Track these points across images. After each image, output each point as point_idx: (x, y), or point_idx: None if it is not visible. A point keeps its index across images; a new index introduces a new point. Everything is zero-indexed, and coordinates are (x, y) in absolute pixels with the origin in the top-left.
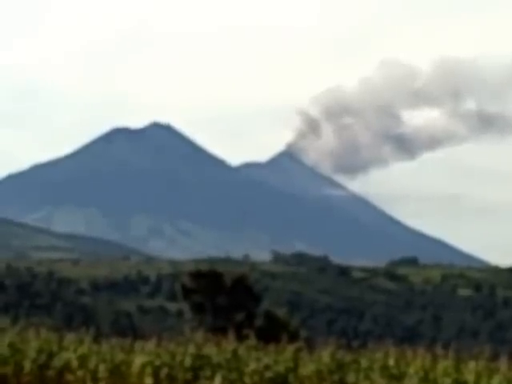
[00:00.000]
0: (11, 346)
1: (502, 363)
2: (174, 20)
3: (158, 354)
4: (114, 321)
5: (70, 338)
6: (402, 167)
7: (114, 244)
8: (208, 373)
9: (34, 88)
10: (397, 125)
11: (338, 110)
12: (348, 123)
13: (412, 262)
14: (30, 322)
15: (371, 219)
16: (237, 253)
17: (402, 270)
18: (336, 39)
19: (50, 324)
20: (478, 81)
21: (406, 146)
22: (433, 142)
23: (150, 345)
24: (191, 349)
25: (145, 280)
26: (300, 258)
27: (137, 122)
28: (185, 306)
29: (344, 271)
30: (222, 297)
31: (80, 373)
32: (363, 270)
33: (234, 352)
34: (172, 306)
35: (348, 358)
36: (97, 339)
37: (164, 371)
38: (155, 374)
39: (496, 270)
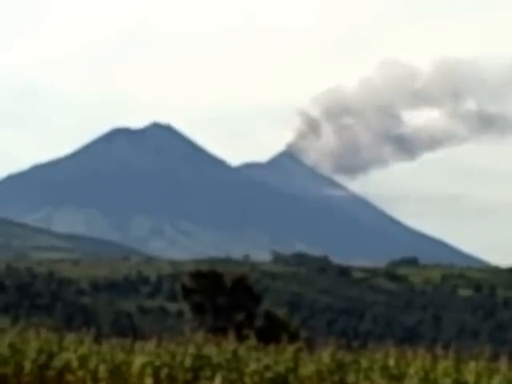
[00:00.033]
0: (11, 346)
1: (502, 363)
2: (174, 20)
3: (158, 355)
4: (114, 321)
5: (70, 338)
6: (402, 167)
7: (114, 244)
8: (208, 373)
9: (34, 88)
10: (397, 125)
11: (338, 111)
12: (348, 123)
13: (412, 262)
14: (30, 323)
15: (371, 219)
16: (237, 253)
17: (402, 271)
18: (336, 39)
19: (50, 324)
20: (478, 81)
21: (406, 146)
22: (433, 142)
23: (150, 345)
24: (191, 349)
25: (145, 280)
26: (300, 259)
27: (137, 122)
28: (185, 307)
29: (344, 271)
30: (222, 297)
31: (80, 373)
32: (363, 270)
33: (234, 352)
34: (172, 307)
35: (348, 358)
36: (97, 339)
37: (164, 371)
38: (155, 375)
39: (496, 271)
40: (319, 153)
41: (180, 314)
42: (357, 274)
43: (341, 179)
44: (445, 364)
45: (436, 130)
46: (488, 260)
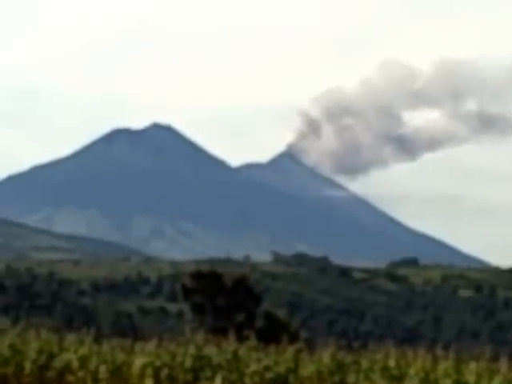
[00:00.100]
0: (11, 346)
1: (503, 364)
2: (174, 20)
3: (159, 355)
4: (114, 321)
5: (70, 338)
6: (403, 168)
7: (114, 245)
8: (208, 374)
9: (34, 88)
10: (397, 125)
11: (338, 111)
12: (348, 124)
13: (412, 262)
14: (31, 323)
15: (372, 220)
16: (237, 253)
17: (402, 271)
18: (336, 39)
19: (50, 325)
20: (478, 82)
21: (407, 146)
22: (433, 142)
23: (151, 346)
24: (192, 349)
25: (145, 281)
26: (300, 259)
27: (137, 122)
28: (185, 307)
29: (344, 272)
30: (223, 297)
31: (80, 374)
32: (364, 270)
33: (235, 353)
34: (172, 307)
35: (348, 358)
36: (97, 340)
37: (164, 372)
38: (156, 375)
39: (496, 271)
40: (319, 153)
41: (180, 314)
42: (357, 275)
43: (341, 180)
44: (445, 364)
45: (436, 130)
46: (488, 260)
